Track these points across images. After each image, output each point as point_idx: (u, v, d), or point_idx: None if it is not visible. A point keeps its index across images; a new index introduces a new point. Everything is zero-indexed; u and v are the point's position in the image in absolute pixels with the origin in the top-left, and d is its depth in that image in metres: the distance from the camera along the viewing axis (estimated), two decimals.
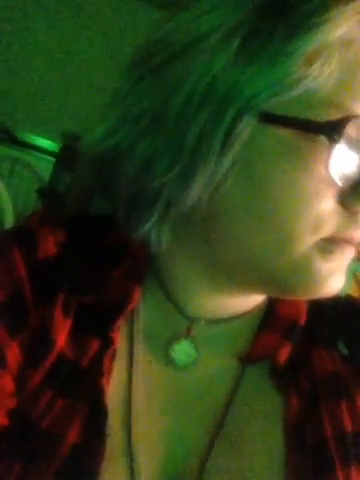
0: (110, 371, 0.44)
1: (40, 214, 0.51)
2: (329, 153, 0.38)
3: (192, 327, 0.47)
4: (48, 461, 0.41)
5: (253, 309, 0.49)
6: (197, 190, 0.40)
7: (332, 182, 0.38)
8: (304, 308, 0.49)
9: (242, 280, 0.45)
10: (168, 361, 0.47)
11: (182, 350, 0.47)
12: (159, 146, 0.40)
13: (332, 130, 0.38)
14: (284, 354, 0.47)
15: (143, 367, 0.46)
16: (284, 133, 0.39)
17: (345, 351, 0.49)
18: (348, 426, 0.46)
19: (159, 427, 0.45)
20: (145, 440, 0.44)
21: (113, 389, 0.45)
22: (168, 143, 0.40)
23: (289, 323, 0.48)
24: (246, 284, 0.45)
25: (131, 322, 0.47)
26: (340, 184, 0.38)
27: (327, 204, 0.39)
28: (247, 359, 0.47)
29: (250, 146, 0.39)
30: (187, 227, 0.44)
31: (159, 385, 0.46)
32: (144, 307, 0.47)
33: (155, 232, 0.43)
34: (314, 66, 0.38)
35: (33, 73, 2.95)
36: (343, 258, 0.41)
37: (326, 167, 0.38)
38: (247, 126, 0.39)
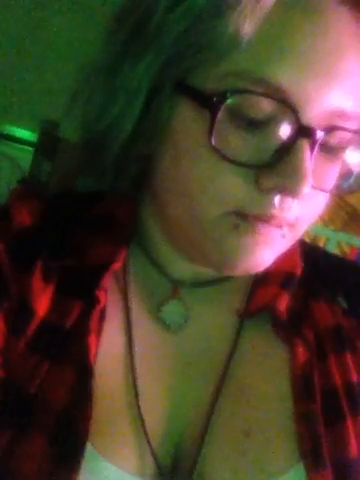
0: (98, 330, 0.44)
1: (19, 190, 0.51)
2: (212, 125, 0.37)
3: (178, 289, 0.47)
4: (38, 427, 0.41)
5: None
6: (135, 154, 0.44)
7: (230, 160, 0.38)
8: (299, 261, 0.50)
9: (183, 250, 0.45)
10: (161, 324, 0.47)
11: (172, 311, 0.47)
12: (103, 97, 0.44)
13: (215, 102, 0.37)
14: (283, 303, 0.48)
15: (139, 330, 0.46)
16: (187, 101, 0.39)
17: (345, 305, 0.50)
18: (354, 377, 0.47)
19: (162, 386, 0.46)
20: (150, 399, 0.44)
21: (111, 352, 0.45)
22: (108, 93, 0.44)
23: (285, 274, 0.49)
24: (186, 254, 0.46)
25: (124, 286, 0.47)
26: (237, 162, 0.38)
27: (229, 180, 0.39)
28: (245, 313, 0.48)
29: (172, 114, 0.40)
30: (150, 198, 0.48)
31: (157, 346, 0.47)
32: (135, 273, 0.48)
33: (110, 176, 0.47)
34: (224, 30, 0.38)
35: (6, 65, 2.90)
36: (256, 235, 0.41)
37: (210, 139, 0.38)
38: (168, 91, 0.41)
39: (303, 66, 0.38)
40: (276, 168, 0.39)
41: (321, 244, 1.92)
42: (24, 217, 0.47)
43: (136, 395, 0.45)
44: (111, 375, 0.44)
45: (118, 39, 0.42)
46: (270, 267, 0.49)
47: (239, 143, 0.39)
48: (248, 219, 0.41)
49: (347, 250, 1.95)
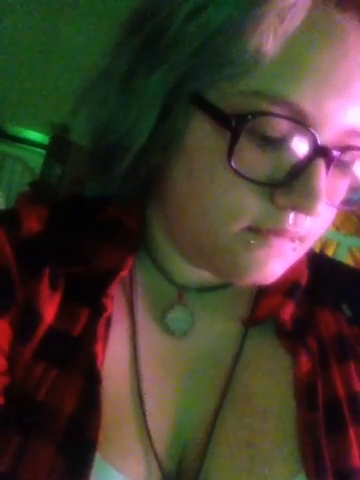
0: (105, 338, 0.44)
1: (27, 195, 0.51)
2: (231, 146, 0.37)
3: (183, 294, 0.47)
4: (46, 434, 0.40)
5: None
6: (146, 167, 0.42)
7: (247, 178, 0.37)
8: (304, 270, 0.49)
9: (193, 260, 0.45)
10: (166, 331, 0.47)
11: (177, 317, 0.47)
12: (109, 104, 0.42)
13: (236, 123, 0.37)
14: (287, 312, 0.47)
15: (146, 336, 0.46)
16: (205, 118, 0.39)
17: (349, 313, 0.50)
18: (357, 386, 0.46)
19: (168, 393, 0.45)
20: (155, 406, 0.44)
21: (117, 359, 0.45)
22: (121, 102, 0.41)
23: (290, 283, 0.48)
24: (197, 264, 0.46)
25: (131, 293, 0.47)
26: (256, 182, 0.38)
27: (246, 197, 0.39)
28: (250, 321, 0.48)
29: (184, 127, 0.40)
30: (158, 206, 0.46)
31: (162, 353, 0.46)
32: (141, 279, 0.47)
33: (120, 185, 0.45)
34: (244, 48, 0.37)
35: (21, 67, 2.93)
36: (269, 248, 0.40)
37: (229, 160, 0.37)
38: (182, 110, 0.39)
39: (323, 87, 0.37)
40: (291, 186, 0.38)
41: (332, 249, 1.90)
42: (33, 223, 0.47)
43: (141, 403, 0.45)
44: (117, 382, 0.44)
45: (133, 47, 0.41)
46: None
47: (256, 161, 0.38)
48: (262, 233, 0.40)
49: (358, 255, 1.93)
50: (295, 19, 0.37)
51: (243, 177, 0.37)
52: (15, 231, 0.46)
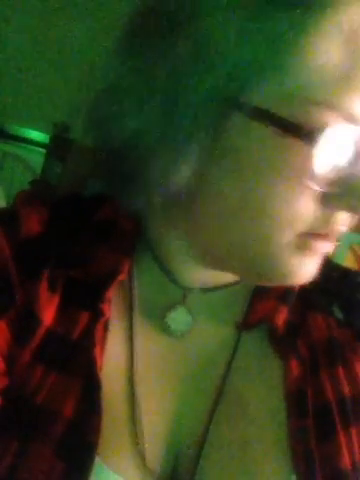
0: (103, 342, 0.44)
1: (25, 195, 0.51)
2: (307, 156, 0.37)
3: (187, 295, 0.47)
4: (45, 438, 0.40)
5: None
6: (181, 172, 0.39)
7: (311, 184, 0.37)
8: None
9: (221, 263, 0.45)
10: (165, 331, 0.47)
11: (178, 318, 0.47)
12: (150, 120, 0.39)
13: (311, 134, 0.36)
14: (281, 317, 0.47)
15: (142, 338, 0.46)
16: (269, 130, 0.37)
17: (340, 316, 0.50)
18: (346, 390, 0.47)
19: (161, 397, 0.45)
20: (148, 411, 0.44)
21: (114, 362, 0.45)
22: (160, 118, 0.39)
23: (283, 288, 0.49)
24: (225, 268, 0.45)
25: (129, 295, 0.47)
26: (319, 188, 0.38)
27: (305, 203, 0.39)
28: (244, 325, 0.48)
29: (240, 137, 0.39)
30: (178, 208, 0.44)
31: (159, 355, 0.46)
32: (139, 279, 0.47)
33: (145, 209, 0.43)
34: (311, 57, 0.36)
35: (21, 67, 2.93)
36: (317, 252, 0.41)
37: (303, 169, 0.37)
38: (236, 118, 0.38)
39: None
40: (344, 190, 0.39)
41: None
42: (33, 224, 0.46)
43: (135, 405, 0.45)
44: (113, 384, 0.44)
45: (178, 55, 0.38)
46: None
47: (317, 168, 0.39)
48: (316, 239, 0.41)
49: (359, 252, 1.93)
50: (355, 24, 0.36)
51: (314, 188, 0.38)
52: (14, 232, 0.45)
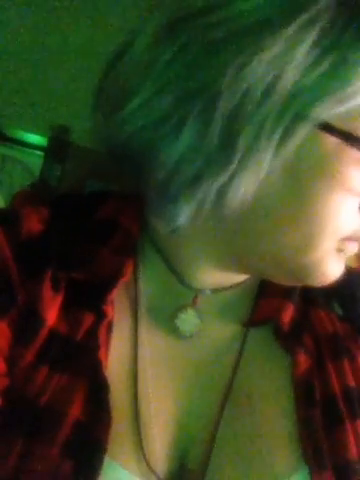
0: (107, 344, 0.44)
1: (25, 194, 0.51)
2: None
3: (198, 297, 0.47)
4: (51, 438, 0.40)
5: (252, 276, 0.49)
6: (245, 189, 0.38)
7: None
8: None
9: (252, 268, 0.45)
10: (173, 332, 0.47)
11: (187, 319, 0.47)
12: (209, 137, 0.36)
13: None
14: (287, 315, 0.48)
15: (149, 339, 0.46)
16: (335, 145, 0.38)
17: (340, 311, 0.51)
18: (352, 382, 0.47)
19: (168, 398, 0.45)
20: (155, 411, 0.44)
21: (119, 362, 0.45)
22: (220, 135, 0.36)
23: (287, 286, 0.49)
24: (255, 271, 0.46)
25: (134, 296, 0.47)
26: None
27: (353, 214, 0.41)
28: (252, 323, 0.48)
29: (301, 150, 0.39)
30: (213, 223, 0.43)
31: (165, 357, 0.46)
32: (146, 280, 0.47)
33: (181, 219, 0.41)
34: None
35: (20, 70, 2.93)
36: (349, 253, 0.44)
37: None
38: (303, 131, 0.38)
39: None
40: None
41: None
42: (34, 225, 0.46)
43: (139, 405, 0.45)
44: (118, 385, 0.44)
45: (242, 68, 0.35)
46: None
47: None
48: (352, 242, 0.43)
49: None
50: None
51: None
52: (15, 232, 0.45)
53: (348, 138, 0.38)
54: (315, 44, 0.36)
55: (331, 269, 0.43)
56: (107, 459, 0.41)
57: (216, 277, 0.48)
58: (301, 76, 0.36)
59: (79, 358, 0.43)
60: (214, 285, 0.48)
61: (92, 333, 0.44)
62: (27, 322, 0.43)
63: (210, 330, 0.48)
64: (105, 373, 0.43)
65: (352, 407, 0.47)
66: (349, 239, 0.42)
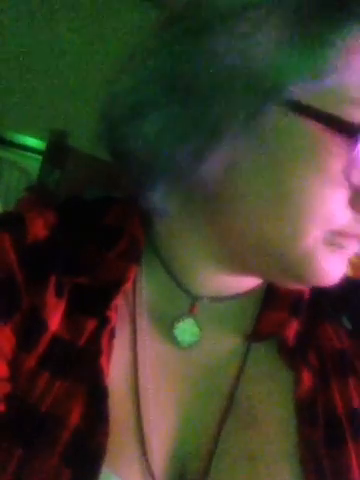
0: (109, 350, 0.43)
1: (30, 199, 0.50)
2: (350, 155, 0.37)
3: (195, 305, 0.47)
4: (50, 445, 0.40)
5: (256, 287, 0.48)
6: (210, 167, 0.39)
7: (348, 183, 0.38)
8: None
9: (247, 264, 0.45)
10: (173, 341, 0.46)
11: (185, 329, 0.47)
12: (181, 113, 0.39)
13: (352, 129, 0.37)
14: (292, 330, 0.47)
15: (148, 347, 0.46)
16: (310, 125, 0.38)
17: (349, 325, 0.50)
18: (356, 401, 0.46)
19: (168, 409, 0.45)
20: (155, 421, 0.44)
21: (119, 369, 0.44)
22: (191, 112, 0.39)
23: (293, 298, 0.48)
24: (250, 269, 0.45)
25: (134, 302, 0.46)
26: (355, 187, 0.38)
27: (339, 202, 0.39)
28: (255, 337, 0.47)
29: (275, 132, 0.39)
30: (200, 208, 0.44)
31: (166, 365, 0.46)
32: (147, 287, 0.47)
33: (162, 202, 0.43)
34: (353, 58, 0.37)
35: (18, 73, 2.93)
36: (345, 252, 0.42)
37: (344, 168, 0.37)
38: (274, 111, 0.38)
39: None
40: None
41: None
42: (39, 230, 0.46)
43: (139, 417, 0.44)
44: (117, 393, 0.44)
45: (211, 49, 0.38)
46: (279, 288, 0.49)
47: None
48: (344, 237, 0.41)
49: (356, 260, 1.93)
50: None
51: (351, 187, 0.38)
52: (20, 237, 0.45)
53: (327, 120, 0.37)
54: (284, 23, 0.37)
55: (327, 265, 0.41)
56: (105, 470, 0.41)
57: (215, 283, 0.47)
58: (271, 58, 0.37)
59: (80, 364, 0.43)
60: (213, 292, 0.48)
61: (95, 339, 0.44)
62: (31, 327, 0.43)
63: (211, 341, 0.48)
64: (106, 381, 0.42)
65: (356, 428, 0.46)
66: (342, 234, 0.40)
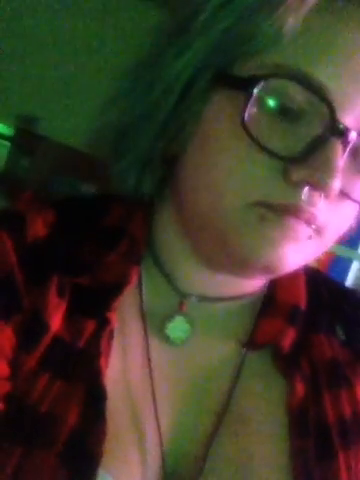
0: (108, 351, 0.43)
1: (28, 196, 0.50)
2: (244, 106, 0.38)
3: (184, 303, 0.47)
4: (48, 445, 0.40)
5: (251, 293, 0.48)
6: (150, 134, 0.43)
7: (261, 147, 0.38)
8: (303, 292, 0.49)
9: (203, 252, 0.45)
10: (165, 339, 0.46)
11: (176, 326, 0.47)
12: (135, 88, 0.43)
13: (250, 84, 0.38)
14: (288, 339, 0.47)
15: (141, 346, 0.46)
16: (227, 92, 0.40)
17: (343, 336, 0.50)
18: (347, 412, 0.47)
19: (164, 408, 0.45)
20: (151, 421, 0.44)
21: (117, 372, 0.44)
22: (141, 86, 0.43)
23: (290, 308, 0.48)
24: (209, 258, 0.45)
25: (134, 303, 0.46)
26: (268, 148, 0.38)
27: (257, 167, 0.39)
28: (251, 344, 0.47)
29: (206, 105, 0.41)
30: (169, 194, 0.46)
31: (161, 365, 0.46)
32: (145, 287, 0.47)
33: (136, 187, 0.45)
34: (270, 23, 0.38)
35: None
36: (283, 228, 0.39)
37: (243, 121, 0.38)
38: (205, 82, 0.40)
39: (343, 68, 0.38)
40: (306, 161, 0.38)
41: None
42: (39, 229, 0.45)
43: (135, 417, 0.44)
44: (113, 394, 0.44)
45: (165, 32, 0.43)
46: (276, 296, 0.49)
47: (271, 132, 0.38)
48: (275, 210, 0.39)
49: (321, 256, 1.97)
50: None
51: (255, 142, 0.38)
52: (20, 236, 0.44)
53: (233, 82, 0.39)
54: (221, 6, 0.40)
55: (257, 241, 0.40)
56: (102, 471, 0.41)
57: (201, 281, 0.47)
58: (204, 37, 0.40)
59: (80, 365, 0.43)
60: (203, 290, 0.48)
61: (94, 340, 0.43)
62: (31, 327, 0.42)
63: (204, 342, 0.48)
64: (104, 382, 0.42)
65: (346, 439, 0.46)
66: (273, 208, 0.39)
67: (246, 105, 0.38)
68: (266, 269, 0.41)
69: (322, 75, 0.37)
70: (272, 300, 0.48)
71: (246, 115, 0.37)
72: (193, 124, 0.41)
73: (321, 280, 0.53)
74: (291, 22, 0.38)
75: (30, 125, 2.01)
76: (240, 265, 0.43)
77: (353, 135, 0.37)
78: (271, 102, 0.38)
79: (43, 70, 2.54)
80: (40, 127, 1.76)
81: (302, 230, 0.39)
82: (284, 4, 0.38)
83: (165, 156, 0.43)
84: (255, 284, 0.48)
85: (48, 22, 2.81)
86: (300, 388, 0.46)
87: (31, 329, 0.42)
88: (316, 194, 0.38)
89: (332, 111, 0.37)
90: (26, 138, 1.74)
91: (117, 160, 0.45)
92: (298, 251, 0.40)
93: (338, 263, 1.86)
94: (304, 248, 0.40)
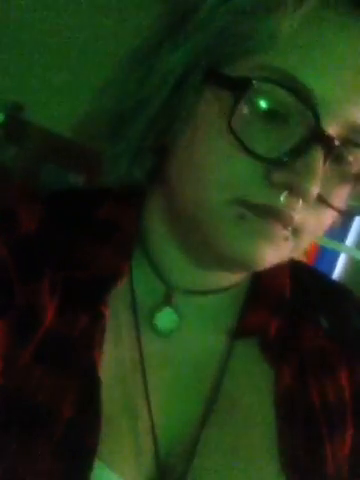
0: (101, 344, 0.43)
1: (17, 190, 0.50)
2: (232, 107, 0.38)
3: (172, 295, 0.47)
4: (45, 438, 0.40)
5: (237, 285, 0.49)
6: (142, 123, 0.43)
7: (244, 149, 0.38)
8: (287, 282, 0.50)
9: (190, 246, 0.45)
10: (155, 330, 0.47)
11: (165, 317, 0.47)
12: (130, 77, 0.44)
13: (239, 85, 0.38)
14: (274, 329, 0.48)
15: (132, 337, 0.46)
16: (217, 91, 0.40)
17: (326, 325, 0.51)
18: (332, 398, 0.48)
19: (154, 398, 0.45)
20: (143, 412, 0.44)
21: (110, 363, 0.44)
22: (136, 75, 0.43)
23: (275, 298, 0.50)
24: (196, 253, 0.46)
25: (125, 296, 0.47)
26: (250, 149, 0.38)
27: (239, 165, 0.39)
28: (238, 334, 0.48)
29: (197, 100, 0.41)
30: (161, 190, 0.46)
31: (150, 355, 0.46)
32: (135, 281, 0.47)
33: (128, 174, 0.45)
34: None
35: None
36: (260, 228, 0.40)
37: (229, 121, 0.38)
38: (198, 78, 0.41)
39: (332, 75, 0.39)
40: (288, 165, 0.39)
41: None
42: (30, 223, 0.45)
43: (128, 408, 0.45)
44: (108, 387, 0.44)
45: (162, 25, 0.43)
46: (261, 288, 0.50)
47: (256, 134, 0.39)
48: (254, 210, 0.40)
49: (308, 248, 1.98)
50: (311, 3, 0.39)
51: (240, 144, 0.38)
52: (11, 231, 0.44)
53: (223, 81, 0.40)
54: (220, 3, 0.40)
55: (234, 236, 0.41)
56: (99, 463, 0.41)
57: (191, 273, 0.48)
58: (202, 33, 0.41)
59: (74, 358, 0.43)
60: (192, 283, 0.48)
61: (87, 333, 0.43)
62: (25, 322, 0.43)
63: (193, 333, 0.48)
64: (99, 373, 0.42)
65: (331, 424, 0.48)
66: (250, 205, 0.40)
67: (234, 105, 0.38)
68: (242, 265, 0.43)
69: (310, 81, 0.38)
70: (258, 291, 0.50)
71: (233, 115, 0.38)
72: (184, 118, 0.42)
73: (305, 271, 0.55)
74: (286, 26, 0.38)
75: (18, 112, 1.99)
76: (218, 259, 0.44)
77: (336, 143, 0.38)
78: (259, 104, 0.39)
79: (32, 56, 2.51)
80: (27, 114, 1.74)
81: (279, 231, 0.40)
82: (281, 7, 0.38)
83: (156, 147, 0.44)
84: (240, 276, 0.49)
85: (37, 8, 2.77)
86: (287, 376, 0.47)
87: (24, 324, 0.42)
88: (294, 198, 0.39)
89: (317, 118, 0.38)
90: (13, 126, 1.71)
91: (110, 146, 0.45)
92: (274, 250, 0.41)
93: (325, 256, 1.88)
94: (280, 248, 0.42)
